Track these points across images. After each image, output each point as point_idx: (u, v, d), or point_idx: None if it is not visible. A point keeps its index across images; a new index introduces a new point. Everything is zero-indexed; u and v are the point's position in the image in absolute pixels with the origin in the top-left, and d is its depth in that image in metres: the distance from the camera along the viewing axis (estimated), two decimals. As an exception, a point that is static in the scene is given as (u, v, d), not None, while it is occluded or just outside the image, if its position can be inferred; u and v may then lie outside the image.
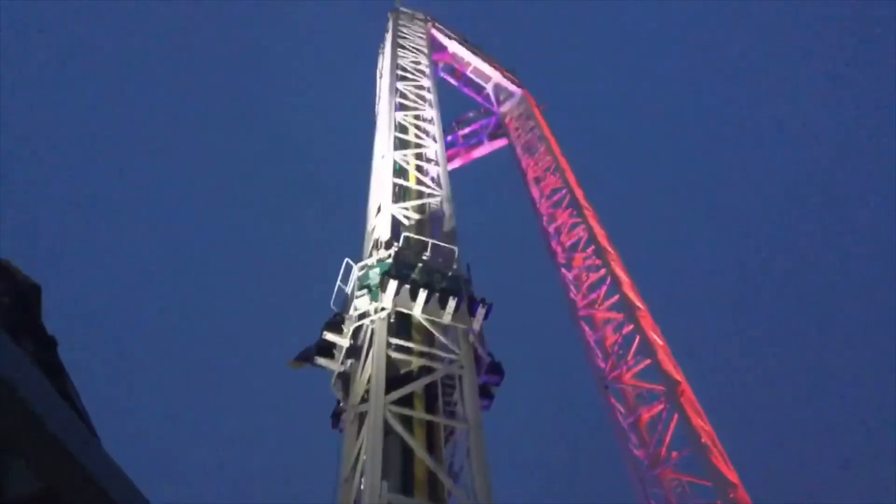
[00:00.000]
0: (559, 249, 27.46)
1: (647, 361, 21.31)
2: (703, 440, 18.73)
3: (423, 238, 19.16)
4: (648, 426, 20.69)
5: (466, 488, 15.60)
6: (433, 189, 21.56)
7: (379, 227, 19.58)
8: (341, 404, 17.14)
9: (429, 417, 16.69)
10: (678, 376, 20.89)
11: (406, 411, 16.11)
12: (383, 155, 22.41)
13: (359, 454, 15.77)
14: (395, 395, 16.08)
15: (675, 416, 19.31)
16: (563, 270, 26.66)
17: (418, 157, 22.98)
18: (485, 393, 17.61)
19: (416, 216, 20.51)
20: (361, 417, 16.71)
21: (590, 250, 25.69)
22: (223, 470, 67.64)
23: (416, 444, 15.63)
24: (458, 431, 17.24)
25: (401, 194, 21.26)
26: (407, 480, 15.60)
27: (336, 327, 17.14)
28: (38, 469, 2.70)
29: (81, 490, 2.70)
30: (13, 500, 3.01)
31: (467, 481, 16.00)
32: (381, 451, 15.00)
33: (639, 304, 23.56)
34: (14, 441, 2.54)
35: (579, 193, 28.46)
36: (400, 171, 21.93)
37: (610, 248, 25.90)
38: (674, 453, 19.36)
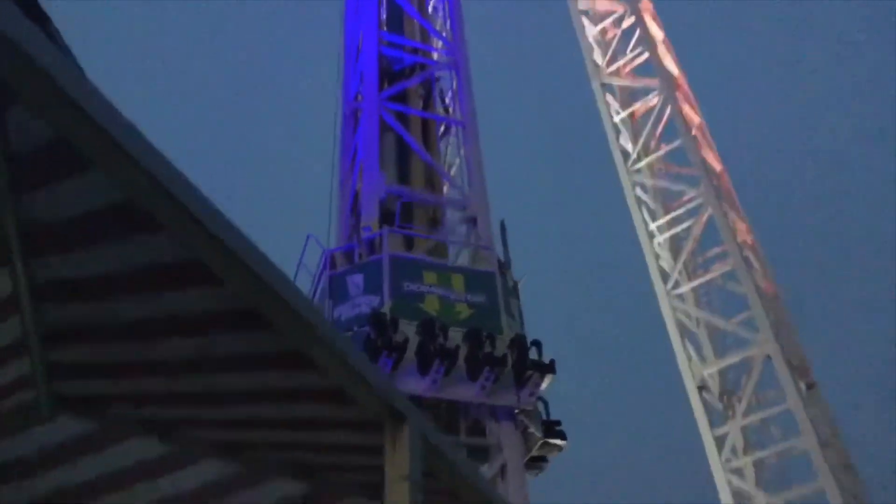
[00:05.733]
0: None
1: (646, 55, 20.94)
2: (693, 132, 19.23)
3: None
4: (640, 121, 20.97)
5: (460, 183, 16.54)
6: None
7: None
8: None
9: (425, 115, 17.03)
10: (675, 69, 20.71)
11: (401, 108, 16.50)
12: None
13: (356, 150, 16.45)
14: (390, 90, 16.28)
15: (668, 108, 19.53)
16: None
17: None
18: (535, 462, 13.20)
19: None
20: (356, 114, 17.07)
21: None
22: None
23: (413, 139, 16.22)
24: (452, 129, 17.71)
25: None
26: (403, 173, 16.43)
27: None
28: (42, 115, 2.72)
29: (86, 134, 2.75)
30: (21, 151, 3.08)
31: (461, 175, 16.89)
32: (378, 146, 15.66)
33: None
34: (9, 87, 2.51)
35: None
36: None
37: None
38: (663, 145, 19.91)
